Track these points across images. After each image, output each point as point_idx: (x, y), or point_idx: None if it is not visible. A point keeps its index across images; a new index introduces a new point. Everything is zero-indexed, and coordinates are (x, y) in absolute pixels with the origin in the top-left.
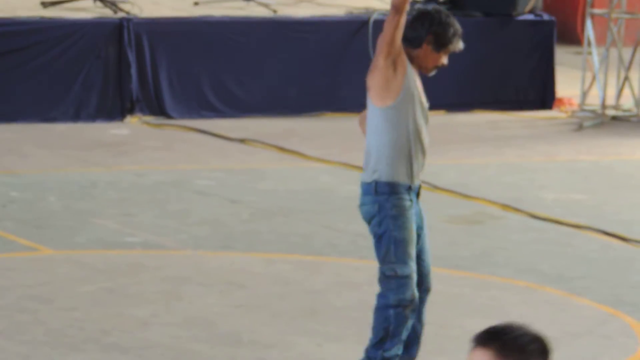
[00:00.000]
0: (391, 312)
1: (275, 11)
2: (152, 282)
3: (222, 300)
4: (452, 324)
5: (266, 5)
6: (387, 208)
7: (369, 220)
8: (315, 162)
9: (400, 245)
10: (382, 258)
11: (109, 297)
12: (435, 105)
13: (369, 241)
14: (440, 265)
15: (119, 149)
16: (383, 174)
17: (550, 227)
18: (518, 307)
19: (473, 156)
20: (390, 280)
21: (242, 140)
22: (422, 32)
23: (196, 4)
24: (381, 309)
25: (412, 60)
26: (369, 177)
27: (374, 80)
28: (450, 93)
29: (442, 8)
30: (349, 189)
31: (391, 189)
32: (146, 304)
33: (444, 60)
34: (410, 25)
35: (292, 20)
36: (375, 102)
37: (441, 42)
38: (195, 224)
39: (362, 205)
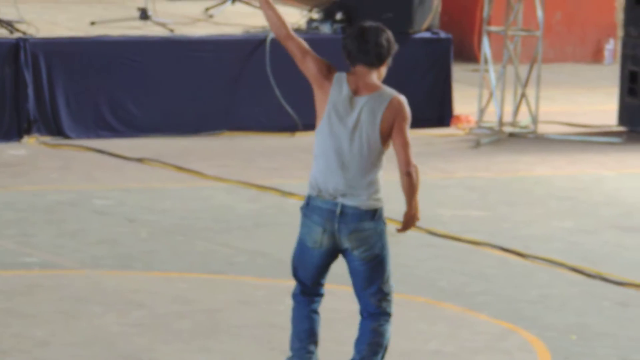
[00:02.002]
0: (389, 327)
1: (172, 30)
2: (51, 302)
3: (121, 319)
4: (350, 341)
5: (163, 25)
6: (385, 232)
7: (367, 244)
8: (213, 180)
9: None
10: (386, 278)
11: (7, 317)
12: None
13: (267, 259)
14: (339, 283)
15: (16, 170)
16: (381, 201)
17: (448, 243)
18: (416, 323)
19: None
20: (390, 296)
21: (140, 160)
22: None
23: (93, 24)
24: (385, 326)
25: None
26: (365, 204)
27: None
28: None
29: (377, 24)
30: (247, 207)
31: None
32: (45, 324)
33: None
34: None
35: (189, 39)
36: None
37: (347, 56)
38: (93, 243)
39: (361, 230)
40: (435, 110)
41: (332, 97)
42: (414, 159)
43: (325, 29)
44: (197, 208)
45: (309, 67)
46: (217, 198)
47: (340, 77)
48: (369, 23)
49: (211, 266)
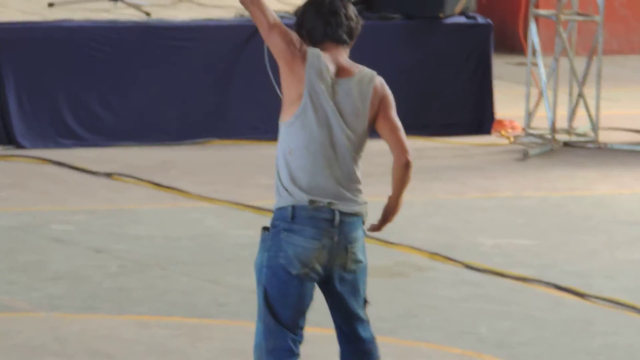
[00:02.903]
0: None
1: (148, 14)
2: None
3: None
4: None
5: (137, 7)
6: None
7: (358, 256)
8: (199, 201)
9: None
10: (365, 288)
11: None
12: None
13: None
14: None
15: None
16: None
17: (489, 280)
18: None
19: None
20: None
21: (108, 175)
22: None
23: (51, 5)
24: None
25: None
26: (362, 209)
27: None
28: None
29: None
30: (241, 235)
31: None
32: None
33: None
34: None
35: (169, 25)
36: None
37: (308, 33)
38: (51, 279)
39: (356, 241)
40: (472, 113)
41: (309, 78)
42: (445, 172)
43: None
44: (180, 235)
45: (276, 40)
46: (204, 222)
47: (316, 55)
48: None
49: (196, 308)
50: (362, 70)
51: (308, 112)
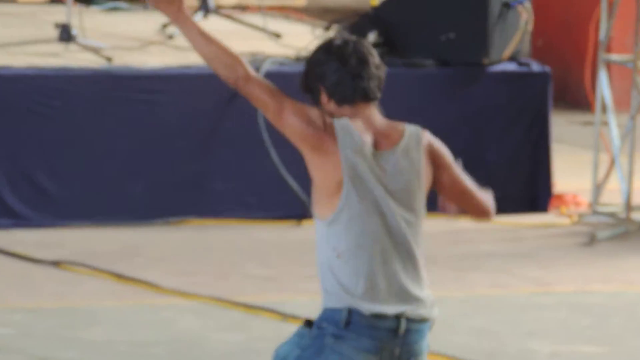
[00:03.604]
0: None
1: (109, 59)
2: None
3: None
4: None
5: (95, 51)
6: None
7: None
8: (173, 296)
9: None
10: None
11: None
12: None
13: None
14: None
15: None
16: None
17: None
18: None
19: None
20: None
21: (56, 263)
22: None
23: None
24: None
25: None
26: (432, 311)
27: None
28: None
29: (355, 36)
30: (226, 340)
31: None
32: None
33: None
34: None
35: (136, 73)
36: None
37: (330, 92)
38: None
39: (422, 354)
40: (524, 186)
41: (346, 160)
42: (489, 260)
43: None
44: (148, 339)
45: (291, 121)
46: (179, 324)
47: (346, 128)
48: (343, 36)
49: None
50: (405, 132)
51: (353, 203)
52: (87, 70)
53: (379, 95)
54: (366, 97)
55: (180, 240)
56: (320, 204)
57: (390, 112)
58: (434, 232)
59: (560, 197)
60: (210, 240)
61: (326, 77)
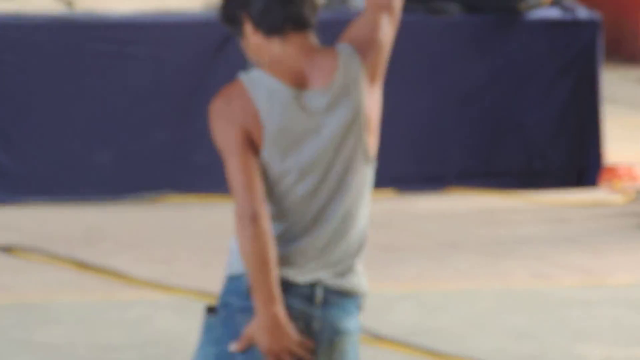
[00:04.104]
0: None
1: (70, 4)
2: None
3: None
4: None
5: None
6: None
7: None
8: (146, 289)
9: None
10: None
11: None
12: (374, 181)
13: None
14: None
15: None
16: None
17: None
18: None
19: (449, 276)
20: None
21: (7, 249)
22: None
23: None
24: None
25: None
26: (360, 285)
27: (377, 91)
28: (404, 157)
29: None
30: None
31: None
32: None
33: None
34: None
35: (105, 21)
36: (372, 146)
37: (265, 24)
38: None
39: (348, 335)
40: (569, 156)
41: (260, 109)
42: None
43: (361, 1)
44: (116, 342)
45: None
46: (153, 322)
47: (255, 77)
48: None
49: None
50: (339, 57)
51: (274, 162)
52: (43, 17)
53: (313, 21)
54: (299, 25)
55: (155, 220)
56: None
57: (407, 69)
58: (462, 211)
59: (612, 170)
60: (191, 221)
61: (250, 3)
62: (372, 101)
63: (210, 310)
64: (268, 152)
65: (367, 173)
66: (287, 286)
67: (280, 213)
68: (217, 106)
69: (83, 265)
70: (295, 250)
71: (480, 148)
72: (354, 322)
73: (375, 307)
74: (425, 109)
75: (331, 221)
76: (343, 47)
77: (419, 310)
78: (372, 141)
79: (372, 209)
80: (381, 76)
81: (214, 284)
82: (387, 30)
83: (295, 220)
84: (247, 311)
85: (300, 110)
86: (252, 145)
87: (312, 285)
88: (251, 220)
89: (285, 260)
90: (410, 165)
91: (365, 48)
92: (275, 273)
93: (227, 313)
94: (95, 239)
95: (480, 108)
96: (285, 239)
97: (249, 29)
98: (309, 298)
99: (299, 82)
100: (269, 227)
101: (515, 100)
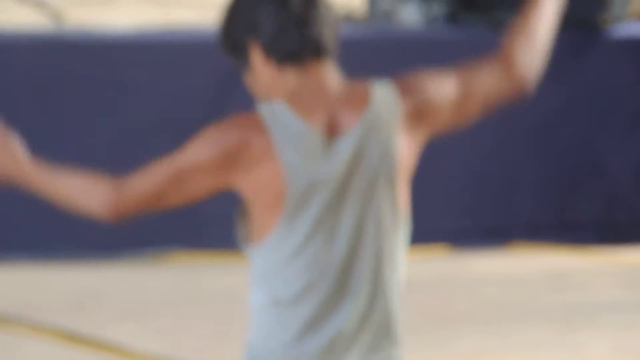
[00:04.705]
0: None
1: (58, 17)
2: None
3: None
4: None
5: (40, 5)
6: None
7: None
8: None
9: None
10: None
11: None
12: (424, 236)
13: None
14: None
15: None
16: None
17: None
18: None
19: (513, 352)
20: None
21: None
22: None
23: None
24: None
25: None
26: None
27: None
28: (460, 206)
29: None
30: None
31: None
32: None
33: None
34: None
35: (98, 40)
36: (404, 202)
37: (277, 49)
38: None
39: None
40: None
41: (285, 159)
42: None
43: (410, 14)
44: None
45: (201, 174)
46: None
47: (279, 112)
48: None
49: None
50: (372, 98)
51: (299, 223)
52: (25, 34)
53: (334, 48)
54: (318, 51)
55: (160, 283)
56: (252, 222)
57: None
58: (528, 272)
59: None
60: (202, 284)
61: (260, 25)
62: (406, 148)
63: None
64: (290, 214)
65: (399, 234)
66: None
67: (302, 290)
68: (219, 131)
69: (74, 338)
70: (323, 340)
71: (552, 195)
72: None
73: None
74: (485, 147)
75: (376, 299)
76: (379, 83)
77: None
78: (404, 197)
79: (421, 269)
80: (422, 136)
81: (229, 357)
82: (447, 99)
83: (317, 299)
84: None
85: (327, 160)
86: (224, 183)
87: None
88: (114, 216)
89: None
90: (467, 217)
91: (410, 93)
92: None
93: None
94: (89, 306)
95: (552, 146)
96: (310, 327)
97: (257, 58)
98: None
99: (326, 125)
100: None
101: (595, 137)
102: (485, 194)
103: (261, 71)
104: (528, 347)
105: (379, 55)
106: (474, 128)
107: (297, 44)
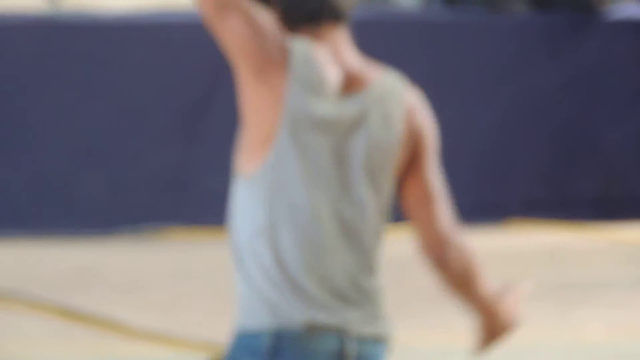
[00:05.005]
0: None
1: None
2: None
3: None
4: None
5: None
6: None
7: None
8: (145, 340)
9: None
10: None
11: None
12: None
13: None
14: None
15: None
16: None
17: None
18: None
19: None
20: None
21: None
22: None
23: None
24: None
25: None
26: (387, 327)
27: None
28: (458, 182)
29: None
30: None
31: None
32: None
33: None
34: None
35: (95, 21)
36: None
37: (294, 14)
38: None
39: None
40: None
41: (292, 98)
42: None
43: None
44: None
45: (233, 25)
46: None
47: (306, 52)
48: None
49: None
50: (383, 78)
51: (288, 159)
52: (22, 16)
53: (349, 14)
54: (336, 15)
55: (156, 260)
56: (245, 153)
57: (467, 77)
58: (525, 248)
59: None
60: (198, 260)
61: None
62: (404, 144)
63: None
64: (280, 149)
65: (381, 213)
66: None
67: (268, 228)
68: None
69: (71, 314)
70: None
71: (549, 172)
72: None
73: None
74: (483, 124)
75: (336, 252)
76: (393, 75)
77: None
78: (391, 181)
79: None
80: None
81: (223, 335)
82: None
83: (310, 238)
84: None
85: (329, 110)
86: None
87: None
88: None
89: (301, 299)
90: (465, 193)
91: (417, 140)
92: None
93: None
94: (86, 282)
95: (550, 124)
96: (282, 268)
97: (274, 15)
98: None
99: (336, 80)
100: None
101: (592, 115)
102: (483, 171)
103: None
104: (525, 324)
105: (377, 37)
106: (473, 105)
107: (315, 7)
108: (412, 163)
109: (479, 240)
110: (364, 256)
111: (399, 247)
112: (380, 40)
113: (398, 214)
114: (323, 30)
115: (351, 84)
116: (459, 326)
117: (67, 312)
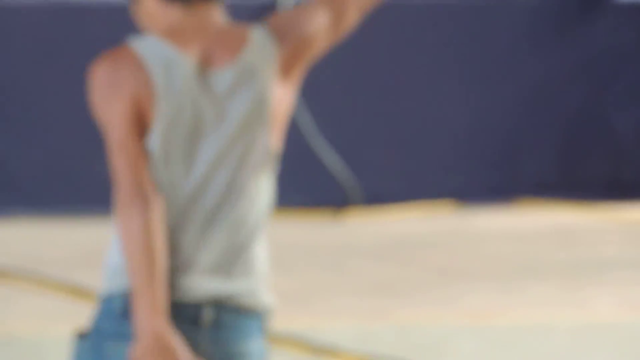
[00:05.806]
0: None
1: None
2: None
3: None
4: None
5: None
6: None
7: None
8: None
9: None
10: None
11: None
12: (430, 192)
13: None
14: None
15: None
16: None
17: None
18: None
19: (520, 307)
20: None
21: None
22: None
23: None
24: None
25: None
26: (259, 298)
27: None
28: (467, 163)
29: None
30: None
31: None
32: None
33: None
34: None
35: (111, 3)
36: (274, 144)
37: None
38: None
39: (244, 356)
40: None
41: (153, 77)
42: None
43: None
44: None
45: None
46: None
47: (151, 43)
48: None
49: None
50: (251, 39)
51: (155, 141)
52: (27, 1)
53: None
54: None
55: None
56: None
57: (475, 60)
58: (535, 229)
59: None
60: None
61: None
62: (281, 95)
63: (82, 335)
64: (157, 135)
65: (266, 173)
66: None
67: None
68: (102, 71)
69: (81, 292)
70: (179, 260)
71: (559, 154)
72: (257, 344)
73: (430, 343)
74: (492, 106)
75: (222, 228)
76: (256, 27)
77: (482, 347)
78: (275, 139)
79: (428, 226)
80: (299, 74)
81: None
82: (322, 27)
83: (179, 224)
84: (120, 338)
85: (202, 91)
86: (141, 121)
87: (199, 304)
88: (140, 205)
89: (168, 272)
90: (474, 174)
91: (285, 36)
92: (163, 278)
93: (97, 340)
94: (95, 261)
95: (559, 106)
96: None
97: None
98: (194, 320)
99: (202, 58)
100: (159, 218)
101: (602, 98)
102: (492, 150)
103: (146, 3)
104: (534, 303)
105: (389, 19)
106: (482, 88)
107: None
108: (299, 51)
109: (488, 220)
110: (236, 233)
111: (408, 226)
112: (392, 23)
113: (403, 196)
114: (193, 7)
115: (218, 57)
116: (469, 306)
117: (75, 290)
